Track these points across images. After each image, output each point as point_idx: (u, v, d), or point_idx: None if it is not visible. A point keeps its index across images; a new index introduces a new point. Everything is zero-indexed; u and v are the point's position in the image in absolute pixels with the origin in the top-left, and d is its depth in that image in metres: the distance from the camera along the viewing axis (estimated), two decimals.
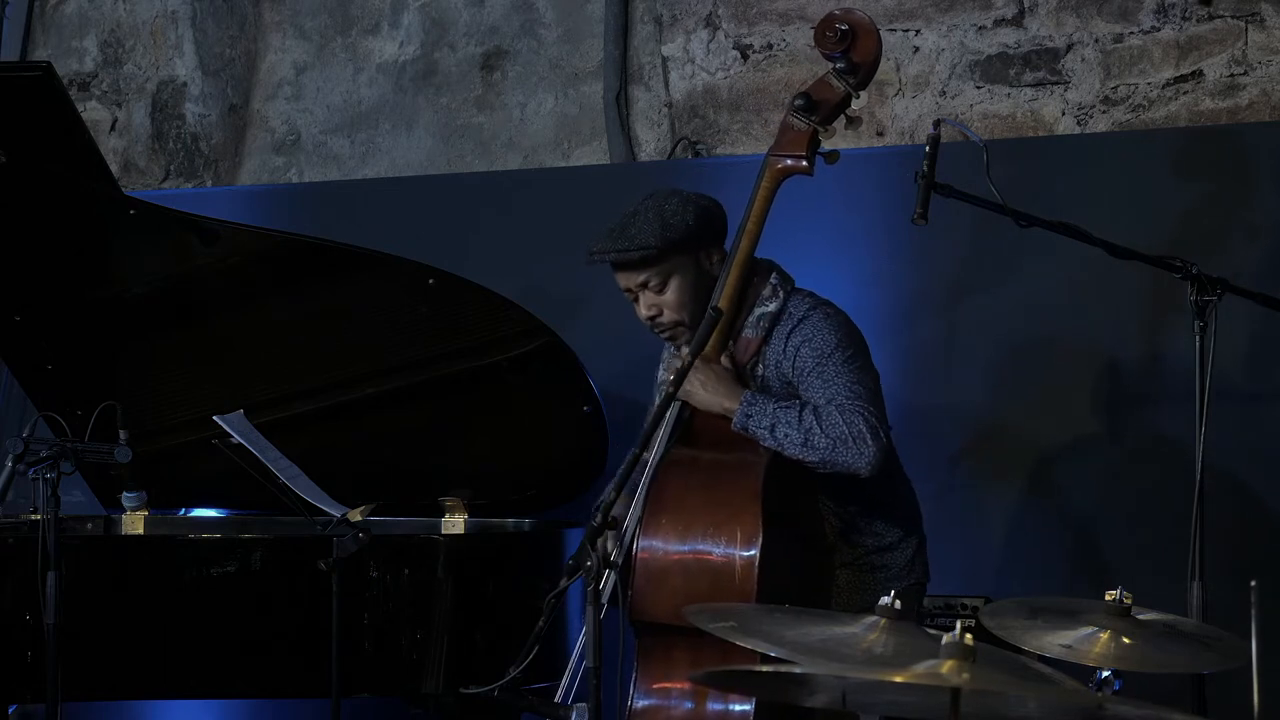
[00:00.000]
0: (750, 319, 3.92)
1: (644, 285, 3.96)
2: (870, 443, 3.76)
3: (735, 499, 3.69)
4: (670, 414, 3.83)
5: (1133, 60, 4.98)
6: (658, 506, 3.72)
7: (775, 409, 3.79)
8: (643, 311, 3.99)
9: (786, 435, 3.77)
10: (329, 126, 5.94)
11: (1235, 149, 4.74)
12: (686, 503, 3.72)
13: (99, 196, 4.43)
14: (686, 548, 3.69)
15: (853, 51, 3.87)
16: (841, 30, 3.86)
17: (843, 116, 3.93)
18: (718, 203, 4.01)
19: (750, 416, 3.79)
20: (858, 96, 3.93)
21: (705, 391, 3.84)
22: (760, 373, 3.93)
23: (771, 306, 3.93)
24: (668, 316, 3.96)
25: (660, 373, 4.18)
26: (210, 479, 4.79)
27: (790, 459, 3.79)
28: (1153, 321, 4.69)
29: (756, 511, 3.65)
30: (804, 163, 3.88)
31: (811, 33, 5.25)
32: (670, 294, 3.95)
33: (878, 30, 3.92)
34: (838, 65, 3.89)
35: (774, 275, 3.97)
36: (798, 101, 3.88)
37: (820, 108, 3.88)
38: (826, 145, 3.92)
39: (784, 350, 3.90)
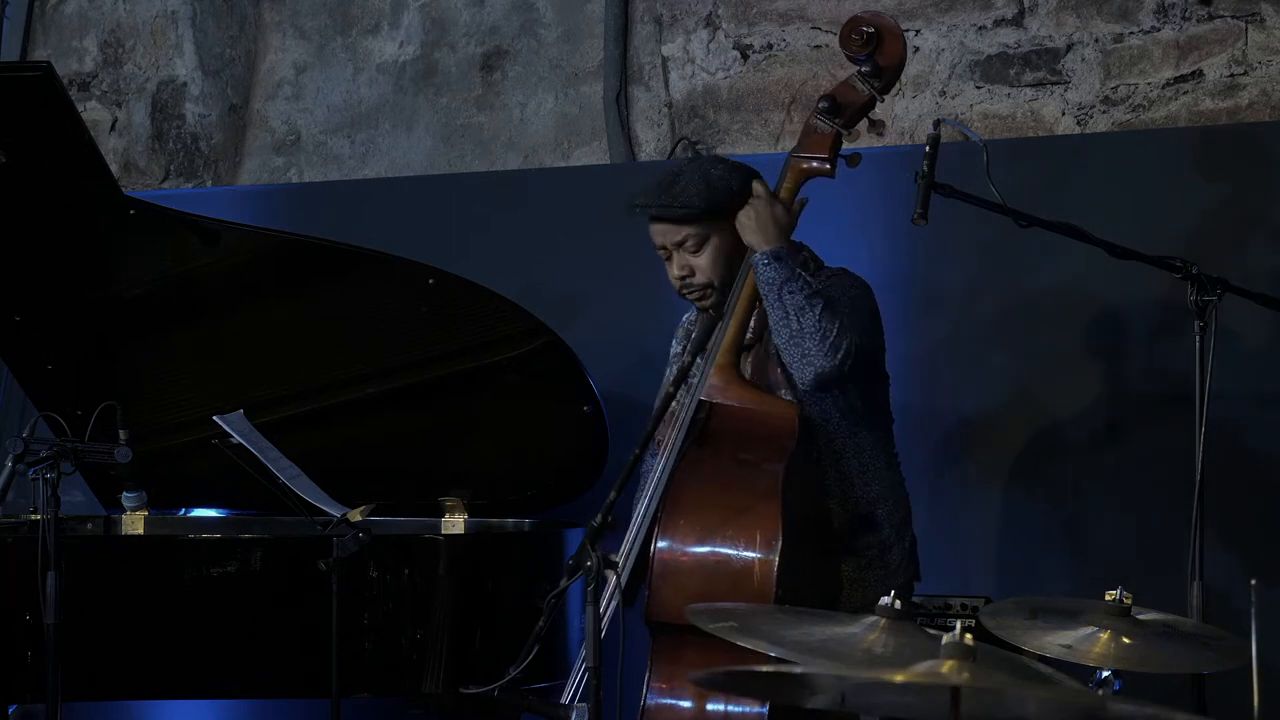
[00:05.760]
0: None
1: (680, 245, 3.97)
2: (838, 358, 3.78)
3: (754, 500, 3.68)
4: (685, 414, 3.83)
5: (1133, 60, 4.98)
6: (676, 507, 3.71)
7: (799, 272, 3.82)
8: (674, 271, 3.99)
9: (792, 295, 3.79)
10: (329, 126, 5.94)
11: (1235, 149, 4.74)
12: (705, 504, 3.71)
13: (99, 196, 4.43)
14: (705, 549, 3.68)
15: (878, 55, 3.85)
16: (868, 33, 3.84)
17: (865, 120, 3.93)
18: (759, 173, 4.01)
19: (779, 260, 3.81)
20: (882, 100, 3.92)
21: (754, 224, 3.86)
22: None
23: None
24: (700, 278, 3.97)
25: (674, 346, 4.18)
26: (210, 479, 4.79)
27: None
28: (1153, 321, 4.69)
29: (776, 513, 3.65)
30: (827, 165, 3.88)
31: (812, 33, 5.30)
32: (705, 257, 3.95)
33: (903, 33, 3.90)
34: (863, 69, 3.87)
35: (806, 250, 4.02)
36: (822, 104, 3.87)
37: (844, 111, 3.88)
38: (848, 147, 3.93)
39: None
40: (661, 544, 3.68)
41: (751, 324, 3.95)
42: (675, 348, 4.17)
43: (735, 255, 3.93)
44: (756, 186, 3.89)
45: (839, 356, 3.78)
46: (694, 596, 3.51)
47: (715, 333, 3.87)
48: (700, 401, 3.83)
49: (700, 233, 3.94)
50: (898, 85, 5.14)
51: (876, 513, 3.96)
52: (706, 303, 3.98)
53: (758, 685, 2.77)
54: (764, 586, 3.61)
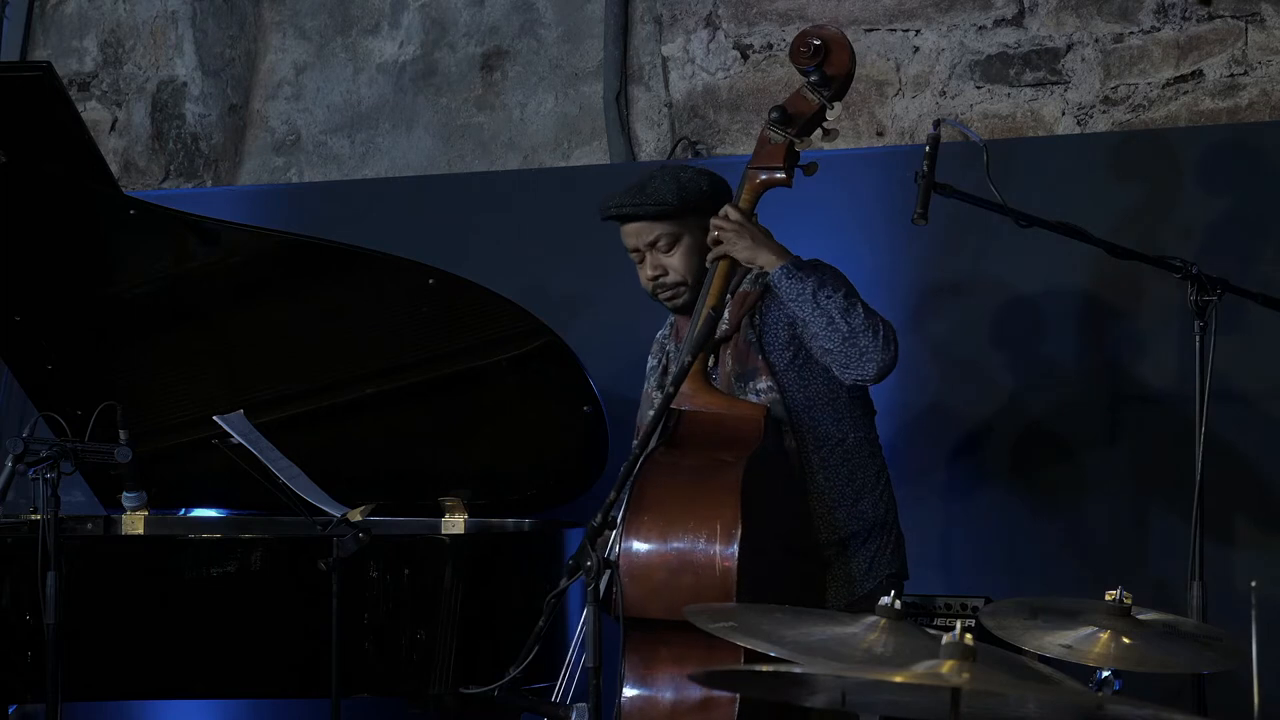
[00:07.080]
0: (750, 275, 3.99)
1: (652, 245, 4.05)
2: (892, 350, 3.87)
3: (715, 497, 3.71)
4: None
5: (1133, 60, 4.98)
6: (639, 506, 3.74)
7: (821, 274, 3.88)
8: (648, 272, 4.07)
9: (830, 299, 3.85)
10: (329, 126, 5.94)
11: (1235, 149, 4.74)
12: (667, 501, 3.74)
13: (99, 196, 4.43)
14: (668, 546, 3.71)
15: (826, 65, 3.95)
16: (815, 45, 3.95)
17: (819, 129, 3.99)
18: (726, 181, 4.09)
19: (802, 268, 3.87)
20: (832, 108, 4.00)
21: (752, 245, 3.90)
22: (758, 321, 3.97)
23: None
24: (672, 277, 4.05)
25: (650, 361, 4.20)
26: (210, 479, 4.79)
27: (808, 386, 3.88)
28: (1153, 321, 4.69)
29: (735, 509, 3.67)
30: (781, 175, 3.95)
31: None
32: (677, 256, 4.04)
33: (850, 44, 3.98)
34: (811, 79, 3.96)
35: None
36: (773, 114, 3.96)
37: (796, 120, 3.96)
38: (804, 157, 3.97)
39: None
40: (626, 542, 3.71)
41: (726, 317, 3.98)
42: (651, 361, 4.20)
43: (705, 254, 3.98)
44: (728, 212, 3.92)
45: (892, 347, 3.88)
46: (660, 592, 3.59)
47: (687, 335, 3.89)
48: (669, 409, 3.85)
49: (673, 231, 4.03)
50: (897, 85, 5.16)
51: (860, 504, 3.98)
52: (679, 301, 4.07)
53: (758, 684, 2.77)
54: (725, 582, 3.63)
